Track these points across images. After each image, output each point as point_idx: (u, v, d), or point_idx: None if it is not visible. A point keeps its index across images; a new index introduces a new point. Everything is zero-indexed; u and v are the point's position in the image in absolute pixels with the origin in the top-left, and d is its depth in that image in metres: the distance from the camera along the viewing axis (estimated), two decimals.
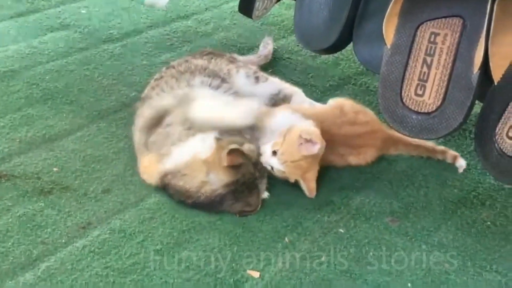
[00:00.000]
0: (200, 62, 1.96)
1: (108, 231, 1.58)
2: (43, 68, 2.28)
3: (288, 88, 2.02)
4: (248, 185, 1.64)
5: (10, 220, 1.60)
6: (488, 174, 1.79)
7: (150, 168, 1.72)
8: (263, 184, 1.68)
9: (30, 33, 2.53)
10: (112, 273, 1.47)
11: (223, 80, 1.92)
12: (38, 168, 1.79)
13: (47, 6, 2.75)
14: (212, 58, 2.00)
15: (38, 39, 2.48)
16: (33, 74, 2.25)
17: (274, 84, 2.02)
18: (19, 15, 2.66)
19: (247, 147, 1.65)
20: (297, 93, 2.01)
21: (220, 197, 1.62)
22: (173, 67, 1.98)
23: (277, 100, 1.99)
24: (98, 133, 1.96)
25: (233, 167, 1.61)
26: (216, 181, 1.63)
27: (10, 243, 1.53)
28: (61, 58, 2.36)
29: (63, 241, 1.55)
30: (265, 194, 1.69)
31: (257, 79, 2.00)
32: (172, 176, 1.66)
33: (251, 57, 2.29)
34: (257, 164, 1.67)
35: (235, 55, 2.20)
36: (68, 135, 1.94)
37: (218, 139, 1.67)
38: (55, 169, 1.79)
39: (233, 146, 1.61)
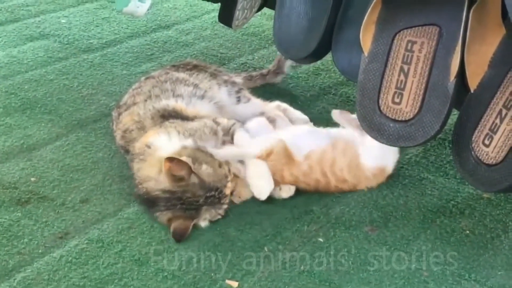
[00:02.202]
0: (181, 75, 1.95)
1: (86, 241, 1.57)
2: (22, 78, 2.27)
3: (271, 111, 1.97)
4: (185, 204, 1.59)
5: None
6: (467, 183, 1.80)
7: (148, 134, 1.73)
8: (209, 213, 1.62)
9: (9, 42, 2.52)
10: (89, 283, 1.45)
11: (206, 91, 1.91)
12: (15, 178, 1.77)
13: (27, 16, 2.74)
14: (194, 73, 1.98)
15: (17, 48, 2.47)
16: (12, 83, 2.24)
17: (256, 105, 1.99)
18: None
19: (203, 168, 1.61)
20: (280, 118, 1.95)
21: (154, 198, 1.61)
22: (153, 77, 1.97)
23: None
24: (77, 142, 1.95)
25: (174, 177, 1.59)
26: (159, 182, 1.61)
27: None
28: (40, 67, 2.35)
29: (40, 251, 1.54)
30: (204, 223, 1.62)
31: (238, 99, 1.98)
32: (136, 154, 1.68)
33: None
34: (212, 190, 1.61)
35: (221, 69, 2.18)
36: (46, 145, 1.93)
37: (184, 147, 1.65)
38: (32, 179, 1.78)
39: (179, 157, 1.59)
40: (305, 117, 1.98)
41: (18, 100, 2.14)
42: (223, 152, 1.68)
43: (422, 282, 1.49)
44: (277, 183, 1.70)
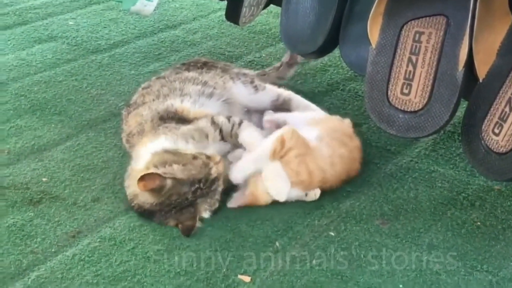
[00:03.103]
0: (191, 74, 1.95)
1: (98, 240, 1.58)
2: (31, 80, 2.28)
3: (284, 92, 2.03)
4: (177, 207, 1.60)
5: None
6: (477, 175, 1.80)
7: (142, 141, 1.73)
8: (206, 204, 1.63)
9: (18, 45, 2.53)
10: (102, 281, 1.46)
11: (215, 88, 1.91)
12: (27, 178, 1.78)
13: (35, 18, 2.76)
14: (204, 71, 1.99)
15: (26, 51, 2.49)
16: (21, 85, 2.25)
17: (272, 91, 2.02)
18: (6, 27, 2.67)
19: (175, 168, 1.60)
20: (294, 96, 2.02)
21: (150, 211, 1.62)
22: (163, 77, 1.97)
23: (277, 105, 1.99)
24: (87, 142, 1.95)
25: (152, 191, 1.59)
26: (144, 198, 1.62)
27: None
28: (49, 69, 2.36)
29: (53, 250, 1.55)
30: (206, 214, 1.63)
31: (256, 88, 2.00)
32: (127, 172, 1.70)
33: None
34: (194, 184, 1.60)
35: (229, 64, 2.19)
36: (57, 145, 1.94)
37: (153, 154, 1.65)
38: (44, 179, 1.79)
39: (146, 171, 1.59)
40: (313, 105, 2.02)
41: (28, 102, 2.15)
42: (236, 173, 1.67)
43: (434, 274, 1.49)
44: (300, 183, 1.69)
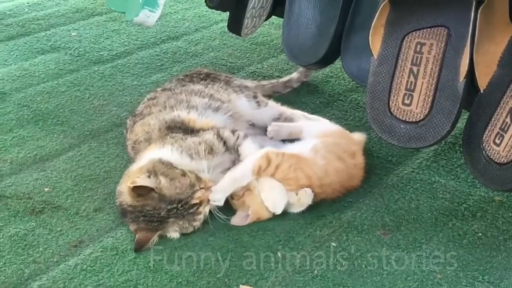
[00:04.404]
0: (197, 87, 1.96)
1: (100, 249, 1.58)
2: (34, 90, 2.29)
3: (287, 111, 2.01)
4: (147, 216, 1.59)
5: (1, 240, 1.60)
6: (478, 186, 1.80)
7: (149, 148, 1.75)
8: (177, 225, 1.60)
9: (21, 56, 2.54)
10: None
11: (222, 102, 1.92)
12: (29, 188, 1.79)
13: (38, 29, 2.77)
14: (209, 83, 2.00)
15: (28, 61, 2.50)
16: (24, 96, 2.26)
17: (274, 108, 2.01)
18: (9, 38, 2.68)
19: (162, 181, 1.59)
20: (296, 115, 2.00)
21: (124, 210, 1.63)
22: (169, 89, 1.98)
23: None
24: (89, 153, 1.96)
25: (133, 194, 1.60)
26: (125, 197, 1.63)
27: (1, 263, 1.53)
28: (51, 79, 2.37)
29: (55, 260, 1.55)
30: (174, 235, 1.61)
31: (258, 103, 2.00)
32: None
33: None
34: (173, 203, 1.59)
35: (230, 75, 2.20)
36: (59, 155, 1.94)
37: (150, 160, 1.65)
38: (46, 189, 1.79)
39: (138, 175, 1.59)
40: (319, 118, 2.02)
41: (31, 112, 2.16)
42: (219, 186, 1.65)
43: (435, 285, 1.49)
44: (300, 187, 1.69)
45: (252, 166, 1.66)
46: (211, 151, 1.71)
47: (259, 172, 1.66)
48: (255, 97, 2.01)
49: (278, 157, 1.68)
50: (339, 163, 1.73)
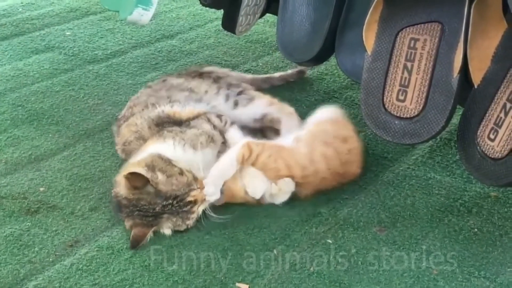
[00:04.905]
0: (176, 81, 1.96)
1: (96, 249, 1.58)
2: (28, 90, 2.29)
3: (275, 112, 1.95)
4: (141, 211, 1.59)
5: None
6: (474, 182, 1.80)
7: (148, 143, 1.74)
8: (170, 221, 1.60)
9: (15, 55, 2.54)
10: None
11: (205, 93, 1.92)
12: (24, 188, 1.79)
13: (32, 29, 2.77)
14: (192, 79, 1.99)
15: (23, 61, 2.49)
16: (19, 95, 2.25)
17: (258, 108, 1.95)
18: (3, 38, 2.68)
19: (159, 177, 1.59)
20: (284, 118, 1.93)
21: (119, 203, 1.62)
22: (150, 86, 1.98)
23: (262, 124, 1.93)
24: (84, 152, 1.96)
25: (129, 185, 1.59)
26: (121, 188, 1.62)
27: None
28: (46, 79, 2.37)
29: (51, 259, 1.55)
30: (167, 231, 1.60)
31: (235, 103, 1.95)
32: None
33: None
34: (169, 199, 1.58)
35: (229, 71, 2.19)
36: (54, 155, 1.94)
37: (150, 154, 1.65)
38: (41, 188, 1.79)
39: (136, 167, 1.59)
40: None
41: (25, 112, 2.16)
42: (209, 180, 1.65)
43: (432, 281, 1.49)
44: (281, 178, 1.69)
45: (236, 155, 1.66)
46: (212, 140, 1.72)
47: (243, 161, 1.66)
48: (238, 94, 1.97)
49: (258, 146, 1.68)
50: (326, 148, 1.73)
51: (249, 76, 2.28)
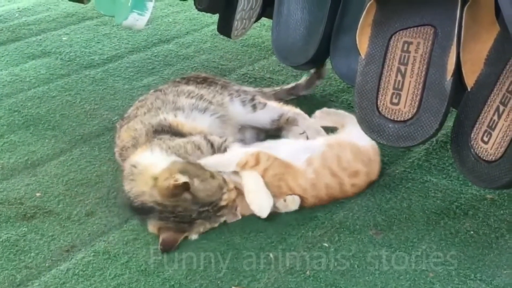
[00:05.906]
0: (188, 88, 1.95)
1: (92, 254, 1.58)
2: (25, 95, 2.29)
3: (290, 111, 1.99)
4: (177, 217, 1.59)
5: None
6: (469, 184, 1.81)
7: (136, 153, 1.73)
8: (202, 227, 1.62)
9: (12, 61, 2.54)
10: None
11: (210, 103, 1.91)
12: (20, 193, 1.79)
13: (28, 35, 2.77)
14: (203, 86, 1.99)
15: (19, 66, 2.50)
16: (15, 101, 2.26)
17: (274, 109, 1.99)
18: None
19: (196, 183, 1.59)
20: (300, 115, 1.98)
21: (150, 208, 1.61)
22: (160, 90, 1.98)
23: (279, 124, 1.97)
24: (81, 157, 1.96)
25: (166, 193, 1.59)
26: (152, 195, 1.61)
27: None
28: (42, 84, 2.37)
29: (47, 265, 1.55)
30: (194, 236, 1.62)
31: (254, 107, 1.97)
32: (126, 175, 1.69)
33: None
34: (205, 205, 1.60)
35: (228, 81, 2.19)
36: (50, 160, 1.94)
37: (173, 163, 1.64)
38: (38, 194, 1.79)
39: (184, 179, 1.57)
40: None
41: (22, 117, 2.16)
42: (204, 161, 1.66)
43: (428, 283, 1.49)
44: (282, 195, 1.69)
45: (240, 158, 1.66)
46: (199, 149, 1.71)
47: (243, 166, 1.66)
48: (252, 99, 1.99)
49: (268, 161, 1.68)
50: (331, 180, 1.72)
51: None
